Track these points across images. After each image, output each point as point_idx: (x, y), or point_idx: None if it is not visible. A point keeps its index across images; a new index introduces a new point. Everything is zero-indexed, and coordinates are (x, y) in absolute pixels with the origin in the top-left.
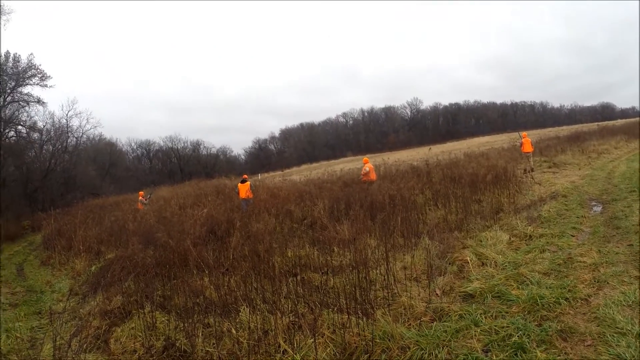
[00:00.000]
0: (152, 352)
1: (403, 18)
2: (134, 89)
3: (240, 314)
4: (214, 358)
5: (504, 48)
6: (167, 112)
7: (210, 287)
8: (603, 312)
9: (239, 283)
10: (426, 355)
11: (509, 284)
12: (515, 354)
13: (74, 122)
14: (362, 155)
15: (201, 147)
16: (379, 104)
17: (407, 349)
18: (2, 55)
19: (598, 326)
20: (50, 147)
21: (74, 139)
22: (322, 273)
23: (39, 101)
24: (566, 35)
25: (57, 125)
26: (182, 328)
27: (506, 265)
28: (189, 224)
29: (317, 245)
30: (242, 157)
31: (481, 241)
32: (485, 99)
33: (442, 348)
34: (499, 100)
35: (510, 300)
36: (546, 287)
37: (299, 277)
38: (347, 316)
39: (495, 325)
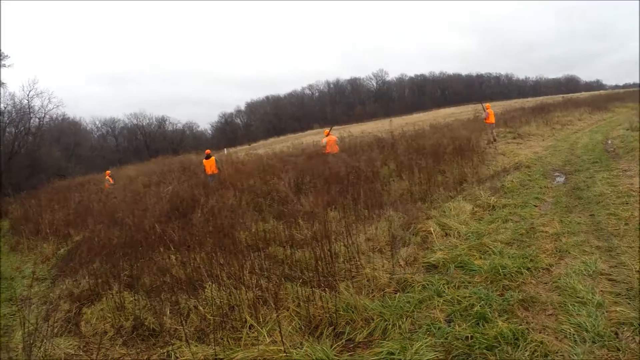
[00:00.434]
0: (122, 333)
1: None
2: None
3: (206, 290)
4: (182, 335)
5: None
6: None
7: (176, 265)
8: (564, 281)
9: (204, 259)
10: (390, 326)
11: (471, 254)
12: (478, 324)
13: (36, 103)
14: (328, 127)
15: (167, 122)
16: (345, 75)
17: (371, 321)
18: None
19: (559, 296)
20: (13, 129)
21: (37, 120)
22: (285, 247)
23: None
24: None
25: (18, 107)
26: (150, 307)
27: (469, 236)
28: (152, 201)
29: (282, 219)
30: (209, 132)
31: (445, 212)
32: (456, 67)
33: (405, 319)
34: (464, 72)
35: (473, 271)
36: (508, 257)
37: (264, 252)
38: (311, 289)
39: (458, 296)
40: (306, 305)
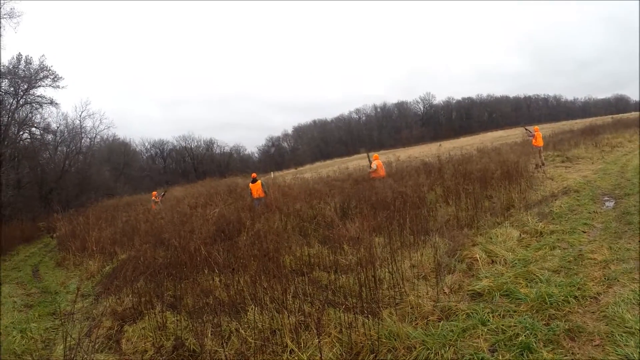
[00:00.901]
0: (162, 352)
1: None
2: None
3: (249, 313)
4: (222, 358)
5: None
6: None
7: (220, 287)
8: (612, 310)
9: (248, 283)
10: (432, 355)
11: (517, 281)
12: (522, 354)
13: (88, 123)
14: (375, 151)
15: (214, 145)
16: (392, 99)
17: (413, 349)
18: (14, 57)
19: (607, 325)
20: (65, 148)
21: (88, 140)
22: (329, 272)
23: (52, 102)
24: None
25: (70, 127)
26: (191, 328)
27: (516, 263)
28: (198, 223)
29: (327, 244)
30: (256, 155)
31: (491, 238)
32: (505, 88)
33: (449, 348)
34: (512, 94)
35: (519, 299)
36: (555, 285)
37: (308, 277)
38: (353, 315)
39: (503, 324)
40: (348, 331)
